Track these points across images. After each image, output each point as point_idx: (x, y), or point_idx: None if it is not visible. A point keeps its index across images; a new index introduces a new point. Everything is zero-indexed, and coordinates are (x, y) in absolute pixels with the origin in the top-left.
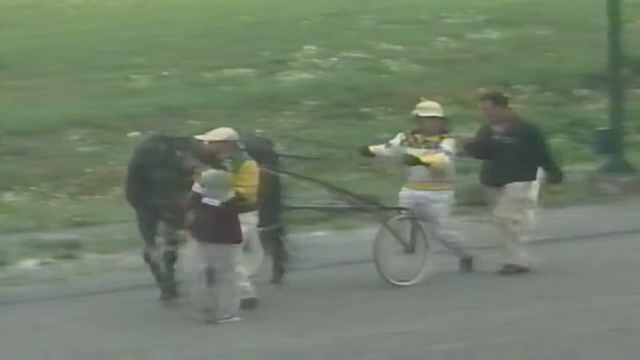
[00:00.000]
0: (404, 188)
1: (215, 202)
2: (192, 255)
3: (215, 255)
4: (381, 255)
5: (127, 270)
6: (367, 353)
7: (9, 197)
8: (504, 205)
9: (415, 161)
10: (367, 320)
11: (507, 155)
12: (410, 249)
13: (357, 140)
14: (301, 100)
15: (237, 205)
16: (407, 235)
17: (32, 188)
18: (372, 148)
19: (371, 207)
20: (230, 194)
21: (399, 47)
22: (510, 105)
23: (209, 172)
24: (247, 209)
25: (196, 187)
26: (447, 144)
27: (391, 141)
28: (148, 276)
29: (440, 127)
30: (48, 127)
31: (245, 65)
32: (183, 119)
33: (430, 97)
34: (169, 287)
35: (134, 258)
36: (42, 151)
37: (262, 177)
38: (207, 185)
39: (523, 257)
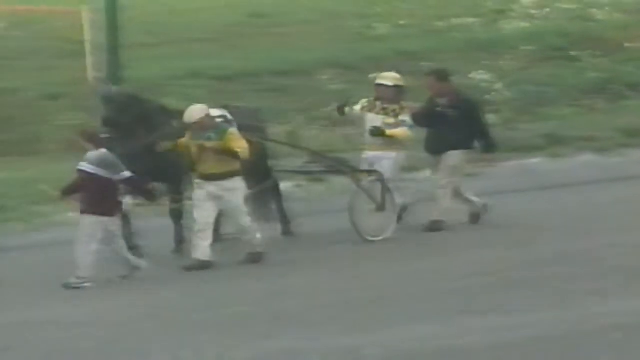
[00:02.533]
0: (363, 151)
1: (118, 178)
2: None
3: (107, 226)
4: (356, 214)
5: None
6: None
7: (268, 128)
8: (444, 171)
9: (381, 133)
10: None
11: (449, 125)
12: (381, 208)
13: (568, 79)
14: (519, 45)
15: (134, 182)
16: (378, 195)
17: (289, 120)
18: (346, 108)
19: (346, 169)
20: (125, 173)
21: None
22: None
23: (93, 153)
24: (236, 174)
25: (82, 165)
26: (407, 116)
27: (355, 107)
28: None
29: (398, 96)
30: (303, 68)
31: (471, 15)
32: (417, 62)
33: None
34: (178, 241)
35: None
36: (298, 89)
37: (250, 145)
38: (96, 164)
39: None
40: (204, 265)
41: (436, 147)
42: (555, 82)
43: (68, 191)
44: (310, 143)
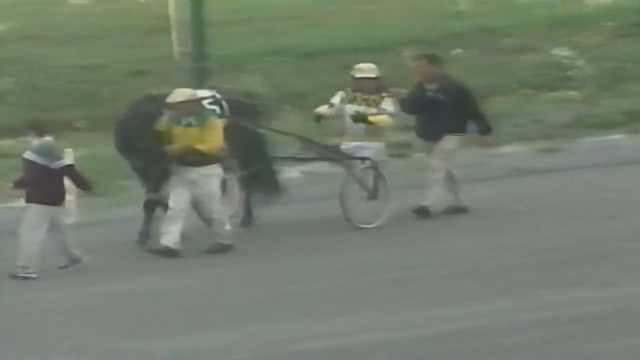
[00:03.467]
0: (343, 142)
1: (57, 167)
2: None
3: (53, 215)
4: (347, 201)
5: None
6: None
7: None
8: (437, 155)
9: (363, 119)
10: None
11: (440, 110)
12: (373, 196)
13: None
14: (600, 21)
15: (70, 171)
16: (370, 183)
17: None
18: (319, 110)
19: (338, 156)
20: (65, 161)
21: None
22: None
23: (37, 141)
24: (213, 161)
25: (26, 154)
26: (389, 104)
27: (332, 100)
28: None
29: (377, 87)
30: (385, 45)
31: None
32: (498, 38)
33: None
34: (143, 232)
35: (470, 157)
36: (379, 66)
37: (241, 129)
38: (36, 153)
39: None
40: (170, 253)
41: (429, 132)
42: (636, 58)
43: (21, 182)
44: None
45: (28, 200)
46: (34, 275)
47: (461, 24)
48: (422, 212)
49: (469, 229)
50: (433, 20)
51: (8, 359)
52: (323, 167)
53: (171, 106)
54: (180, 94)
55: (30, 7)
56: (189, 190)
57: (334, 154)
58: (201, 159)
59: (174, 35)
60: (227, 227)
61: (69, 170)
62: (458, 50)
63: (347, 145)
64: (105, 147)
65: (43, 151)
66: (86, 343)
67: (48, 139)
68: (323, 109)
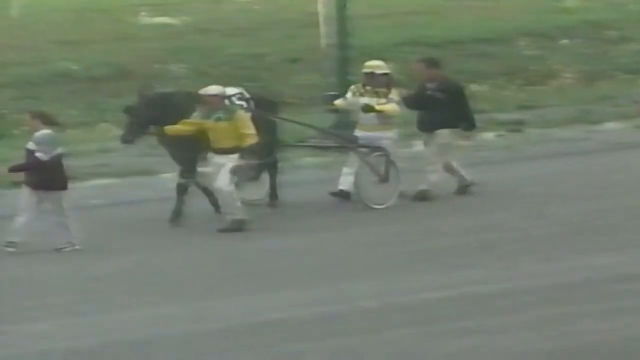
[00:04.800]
0: (357, 130)
1: (45, 157)
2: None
3: (47, 199)
4: (362, 184)
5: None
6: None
7: (474, 87)
8: (435, 149)
9: (371, 109)
10: None
11: (438, 107)
12: (384, 180)
13: None
14: None
15: (61, 161)
16: (381, 169)
17: (491, 81)
18: (336, 102)
19: (353, 145)
20: (58, 150)
21: None
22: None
23: (40, 132)
24: (239, 150)
25: (29, 145)
26: (395, 95)
27: (347, 95)
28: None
29: (385, 81)
30: (502, 36)
31: None
32: (600, 31)
33: None
34: (176, 212)
35: (575, 132)
36: (498, 53)
37: (262, 121)
38: (38, 143)
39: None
40: (242, 223)
41: (427, 125)
42: None
43: (16, 168)
44: (508, 100)
45: (28, 185)
46: (12, 250)
47: (568, 18)
48: (420, 196)
49: (577, 194)
50: (543, 15)
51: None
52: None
53: (201, 98)
54: (210, 89)
55: (202, 4)
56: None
57: (346, 143)
58: (232, 147)
59: (322, 29)
60: (238, 204)
61: (57, 160)
62: (565, 41)
63: (364, 135)
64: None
65: (43, 142)
66: (242, 290)
67: (49, 131)
68: (339, 102)
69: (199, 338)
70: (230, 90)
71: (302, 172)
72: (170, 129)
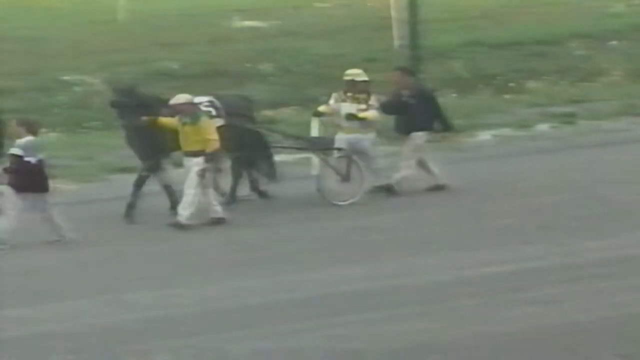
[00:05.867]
0: (339, 133)
1: (32, 160)
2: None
3: (34, 201)
4: (323, 183)
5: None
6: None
7: (530, 84)
8: (409, 149)
9: (355, 117)
10: None
11: (412, 111)
12: (346, 179)
13: None
14: None
15: (39, 166)
16: (343, 169)
17: (545, 78)
18: (320, 108)
19: (316, 147)
20: (41, 156)
21: None
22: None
23: (24, 139)
24: (217, 154)
25: (13, 150)
26: (374, 101)
27: (330, 101)
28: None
29: (364, 88)
30: (556, 37)
31: None
32: None
33: None
34: (131, 205)
35: (622, 124)
36: (552, 54)
37: (235, 128)
38: (25, 149)
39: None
40: (220, 221)
41: (402, 129)
42: None
43: (6, 170)
44: (561, 95)
45: (15, 188)
46: (3, 247)
47: (616, 21)
48: (389, 189)
49: (624, 178)
50: (594, 19)
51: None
52: None
53: (170, 107)
54: (179, 98)
55: (288, 9)
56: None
57: (309, 146)
58: (198, 151)
59: (395, 31)
60: (193, 209)
61: (39, 165)
62: (613, 42)
63: (346, 137)
64: None
65: (28, 148)
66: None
67: (33, 138)
68: (323, 107)
69: (280, 307)
70: (199, 99)
71: None
72: (162, 120)
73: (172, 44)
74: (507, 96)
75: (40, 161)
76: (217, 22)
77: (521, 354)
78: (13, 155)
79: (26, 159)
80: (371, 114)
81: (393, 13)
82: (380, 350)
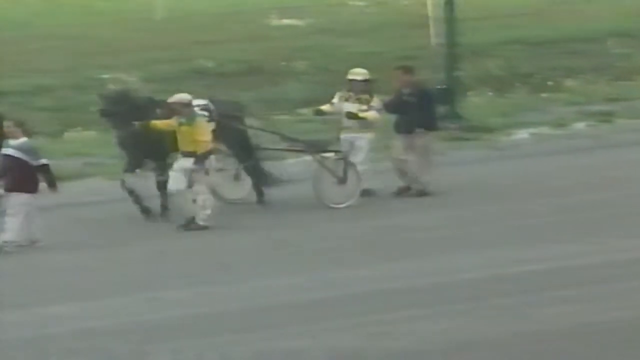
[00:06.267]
0: (342, 133)
1: (34, 163)
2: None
3: (27, 202)
4: (320, 185)
5: None
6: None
7: (568, 82)
8: (414, 150)
9: (355, 116)
10: None
11: (412, 110)
12: (342, 181)
13: None
14: None
15: (46, 169)
16: (340, 171)
17: (582, 76)
18: (323, 107)
19: (313, 148)
20: (43, 160)
21: None
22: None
23: (17, 141)
24: (208, 155)
25: (7, 151)
26: (377, 102)
27: (333, 100)
28: None
29: (367, 88)
30: (593, 35)
31: None
32: None
33: None
34: (163, 206)
35: None
36: (589, 52)
37: (233, 130)
38: (18, 150)
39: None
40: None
41: (403, 128)
42: None
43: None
44: (598, 94)
45: (9, 190)
46: (11, 250)
47: None
48: (401, 192)
49: None
50: (631, 17)
51: None
52: None
53: (166, 106)
54: (176, 97)
55: (324, 7)
56: (185, 175)
57: (307, 148)
58: (195, 151)
59: (431, 29)
60: (207, 211)
61: (45, 168)
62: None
63: (345, 137)
64: None
65: (24, 149)
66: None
67: (26, 139)
68: (325, 106)
69: (319, 305)
70: (197, 102)
71: None
72: (155, 123)
73: (209, 42)
74: (544, 94)
75: (44, 165)
76: (254, 20)
77: (560, 352)
78: (6, 155)
79: (24, 160)
80: (371, 114)
81: (430, 11)
82: (419, 348)
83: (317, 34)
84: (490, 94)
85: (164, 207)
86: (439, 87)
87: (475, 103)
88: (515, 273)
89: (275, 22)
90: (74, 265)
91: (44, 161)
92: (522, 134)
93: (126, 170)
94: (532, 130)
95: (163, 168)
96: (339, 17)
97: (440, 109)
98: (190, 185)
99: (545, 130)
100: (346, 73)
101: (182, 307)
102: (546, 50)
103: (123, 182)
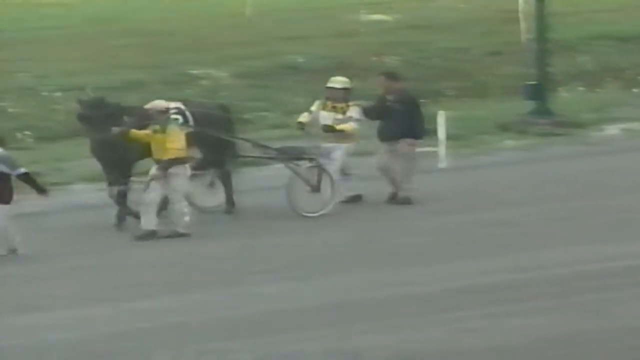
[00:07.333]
0: (320, 143)
1: (12, 173)
2: None
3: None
4: (293, 194)
5: None
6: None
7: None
8: (398, 159)
9: (331, 129)
10: None
11: (396, 117)
12: (316, 189)
13: None
14: None
15: (28, 177)
16: (314, 179)
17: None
18: (302, 119)
19: (286, 157)
20: (22, 169)
21: None
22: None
23: None
24: (182, 162)
25: None
26: (354, 112)
27: (312, 108)
28: None
29: (345, 96)
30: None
31: None
32: None
33: None
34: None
35: None
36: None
37: (210, 137)
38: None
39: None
40: (150, 235)
41: (386, 135)
42: None
43: None
44: None
45: None
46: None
47: None
48: (396, 200)
49: None
50: None
51: None
52: None
53: (141, 113)
54: (151, 103)
55: (413, 3)
56: (159, 183)
57: (283, 155)
58: (168, 160)
59: (522, 25)
60: (186, 218)
61: (26, 177)
62: None
63: (325, 145)
64: (469, 110)
65: (2, 160)
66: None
67: (1, 149)
68: (304, 118)
69: (402, 301)
70: (170, 105)
71: None
72: (134, 132)
73: (299, 38)
74: (635, 90)
75: (25, 174)
76: (344, 15)
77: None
78: None
79: (1, 171)
80: (348, 126)
81: (520, 6)
82: (501, 344)
83: (407, 29)
84: (581, 89)
85: (121, 218)
86: (530, 82)
87: (566, 99)
88: (601, 269)
89: (364, 17)
90: (158, 261)
91: (23, 170)
92: (613, 130)
93: (110, 183)
94: (623, 125)
95: (126, 178)
96: (428, 13)
97: (531, 105)
98: (166, 193)
99: (636, 125)
100: (437, 68)
101: (269, 302)
102: (636, 46)
103: (111, 190)
